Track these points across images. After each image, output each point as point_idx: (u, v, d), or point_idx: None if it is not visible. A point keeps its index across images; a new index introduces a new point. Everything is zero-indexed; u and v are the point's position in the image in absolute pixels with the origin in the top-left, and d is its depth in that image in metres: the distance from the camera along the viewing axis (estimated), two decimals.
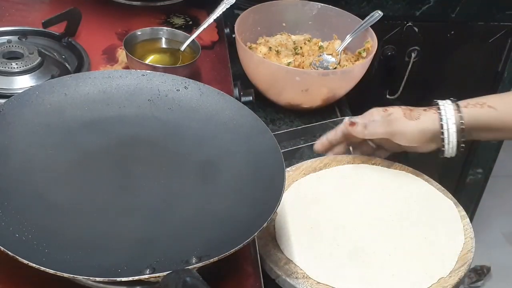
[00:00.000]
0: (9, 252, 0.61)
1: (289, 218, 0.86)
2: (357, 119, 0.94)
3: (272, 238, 0.83)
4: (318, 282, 0.78)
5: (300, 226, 0.85)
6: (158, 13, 1.21)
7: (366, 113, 0.94)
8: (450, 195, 0.93)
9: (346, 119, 0.95)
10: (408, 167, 0.97)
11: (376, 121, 0.92)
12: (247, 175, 0.76)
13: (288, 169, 0.95)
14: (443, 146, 0.90)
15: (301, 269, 0.79)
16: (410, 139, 0.90)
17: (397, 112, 0.91)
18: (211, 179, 0.76)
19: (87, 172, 0.76)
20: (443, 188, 0.94)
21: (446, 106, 0.89)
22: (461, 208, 0.91)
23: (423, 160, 1.69)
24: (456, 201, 0.92)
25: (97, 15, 1.17)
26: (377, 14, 1.19)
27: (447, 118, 0.88)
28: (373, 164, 0.97)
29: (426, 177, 0.96)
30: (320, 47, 1.20)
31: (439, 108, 0.90)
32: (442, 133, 0.89)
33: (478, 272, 2.01)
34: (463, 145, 0.90)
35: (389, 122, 0.91)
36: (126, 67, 1.03)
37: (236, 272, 0.72)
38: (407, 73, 1.56)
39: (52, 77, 0.95)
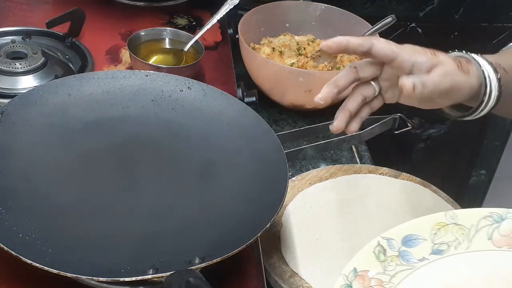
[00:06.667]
0: (12, 252, 0.61)
1: (294, 229, 0.85)
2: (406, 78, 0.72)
3: (277, 250, 0.81)
4: None
5: (306, 238, 0.83)
6: (161, 13, 1.21)
7: (407, 57, 0.76)
8: (459, 206, 0.91)
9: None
10: (415, 177, 0.95)
11: (434, 75, 0.72)
12: (250, 175, 0.76)
13: (293, 178, 0.94)
14: (481, 104, 0.75)
15: (306, 283, 0.78)
16: (463, 96, 0.74)
17: (448, 63, 0.73)
18: (214, 180, 0.76)
19: (91, 172, 0.76)
20: (451, 200, 0.92)
21: (486, 67, 0.74)
22: None
23: (425, 162, 1.69)
24: None
25: (100, 15, 1.17)
26: (390, 19, 1.13)
27: (490, 79, 0.73)
28: (380, 174, 0.96)
29: (434, 187, 0.94)
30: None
31: (479, 64, 0.74)
32: (485, 93, 0.74)
33: None
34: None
35: (446, 75, 0.72)
36: (130, 68, 1.03)
37: (239, 273, 0.72)
38: None
39: (56, 77, 0.95)
